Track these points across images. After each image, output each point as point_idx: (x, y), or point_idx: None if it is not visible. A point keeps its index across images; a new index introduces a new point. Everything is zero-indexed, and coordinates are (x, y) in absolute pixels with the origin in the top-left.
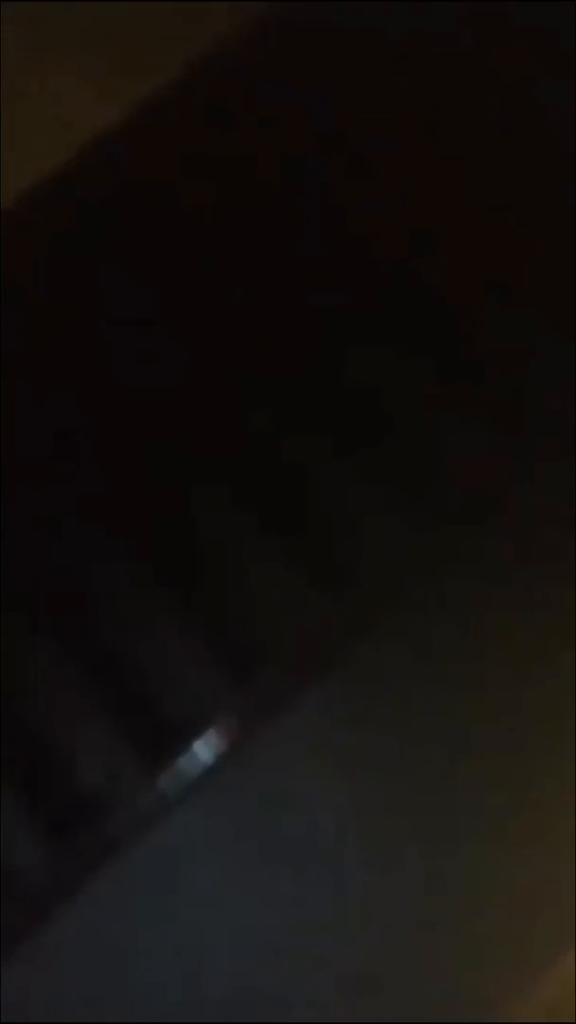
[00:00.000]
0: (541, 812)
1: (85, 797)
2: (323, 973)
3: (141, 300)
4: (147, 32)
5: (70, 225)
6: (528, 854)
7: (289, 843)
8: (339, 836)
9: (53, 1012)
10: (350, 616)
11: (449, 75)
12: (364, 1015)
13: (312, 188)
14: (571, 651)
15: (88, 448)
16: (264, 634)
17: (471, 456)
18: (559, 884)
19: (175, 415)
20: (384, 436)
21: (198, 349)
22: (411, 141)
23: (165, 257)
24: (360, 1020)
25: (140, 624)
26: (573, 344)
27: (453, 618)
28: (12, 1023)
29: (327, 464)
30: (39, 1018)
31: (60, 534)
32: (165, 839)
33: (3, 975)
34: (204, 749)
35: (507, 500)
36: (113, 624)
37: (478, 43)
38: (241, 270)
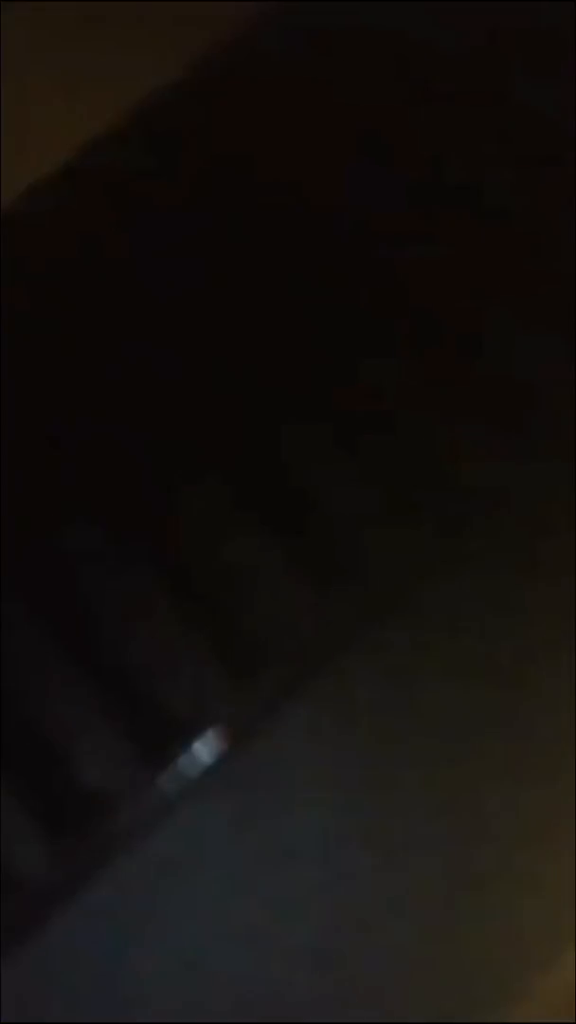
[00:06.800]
0: (540, 811)
1: (85, 797)
2: (323, 973)
3: (141, 299)
4: (147, 32)
5: (70, 225)
6: (528, 853)
7: (289, 843)
8: (339, 836)
9: (53, 1012)
10: (350, 616)
11: (451, 76)
12: (364, 1015)
13: (313, 188)
14: (572, 651)
15: (88, 448)
16: (264, 634)
17: (471, 457)
18: (558, 884)
19: (175, 413)
20: (385, 437)
21: (199, 348)
22: (412, 141)
23: (165, 257)
24: (360, 1020)
25: (141, 624)
26: (573, 344)
27: (453, 618)
28: (12, 1023)
29: (327, 464)
30: (39, 1018)
31: (60, 534)
32: (165, 839)
33: (3, 975)
34: (204, 749)
35: (507, 501)
36: (113, 624)
37: (479, 43)
38: (242, 270)
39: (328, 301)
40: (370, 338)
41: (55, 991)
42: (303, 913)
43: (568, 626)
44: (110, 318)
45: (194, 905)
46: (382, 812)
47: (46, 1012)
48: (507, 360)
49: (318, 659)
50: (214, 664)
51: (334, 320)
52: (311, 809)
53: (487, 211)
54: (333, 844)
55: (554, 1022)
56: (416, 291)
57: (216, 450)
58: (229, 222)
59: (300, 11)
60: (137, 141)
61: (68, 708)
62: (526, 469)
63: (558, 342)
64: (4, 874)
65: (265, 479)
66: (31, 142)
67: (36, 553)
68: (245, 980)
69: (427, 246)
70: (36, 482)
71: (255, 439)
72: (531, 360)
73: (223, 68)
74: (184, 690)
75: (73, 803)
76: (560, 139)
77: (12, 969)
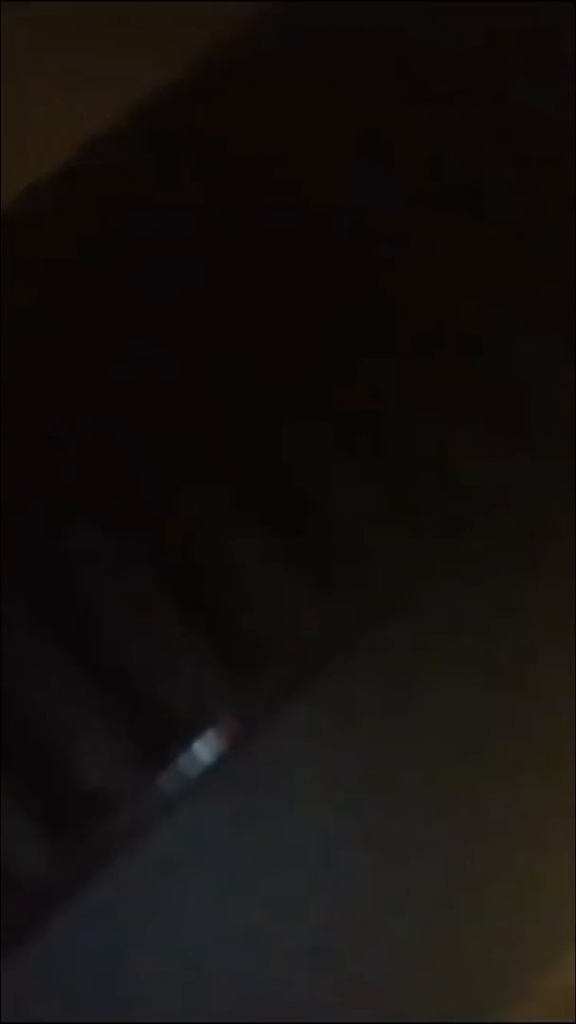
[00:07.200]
0: (540, 811)
1: (85, 797)
2: (323, 973)
3: (141, 299)
4: (147, 32)
5: (70, 225)
6: (528, 853)
7: (289, 843)
8: (339, 836)
9: (53, 1012)
10: (350, 616)
11: (451, 76)
12: (364, 1015)
13: (313, 188)
14: (572, 651)
15: (88, 448)
16: (264, 634)
17: (472, 458)
18: (558, 884)
19: (175, 414)
20: (385, 437)
21: (199, 347)
22: (412, 141)
23: (165, 257)
24: (360, 1020)
25: (140, 624)
26: (573, 344)
27: (453, 618)
28: (12, 1023)
29: (327, 464)
30: (39, 1018)
31: (60, 534)
32: (164, 839)
33: (3, 975)
34: (204, 749)
35: (507, 500)
36: (113, 624)
37: (479, 43)
38: (242, 270)
39: (328, 301)
40: (370, 338)
41: (55, 991)
42: (303, 913)
43: (568, 626)
44: (110, 318)
45: (194, 905)
46: (382, 812)
47: (46, 1012)
48: (507, 360)
49: (318, 659)
50: (214, 664)
51: (334, 320)
52: (311, 809)
53: (487, 211)
54: (333, 844)
55: (554, 1022)
56: (416, 291)
57: (216, 450)
58: (229, 222)
59: (300, 11)
60: (137, 141)
61: (68, 708)
62: (526, 469)
63: (558, 342)
64: (4, 874)
65: (265, 479)
66: (31, 142)
67: (36, 553)
68: (245, 980)
69: (427, 246)
70: (36, 482)
71: (255, 439)
72: (531, 360)
73: (223, 68)
74: (184, 690)
75: (73, 803)
76: (560, 139)
77: (12, 969)
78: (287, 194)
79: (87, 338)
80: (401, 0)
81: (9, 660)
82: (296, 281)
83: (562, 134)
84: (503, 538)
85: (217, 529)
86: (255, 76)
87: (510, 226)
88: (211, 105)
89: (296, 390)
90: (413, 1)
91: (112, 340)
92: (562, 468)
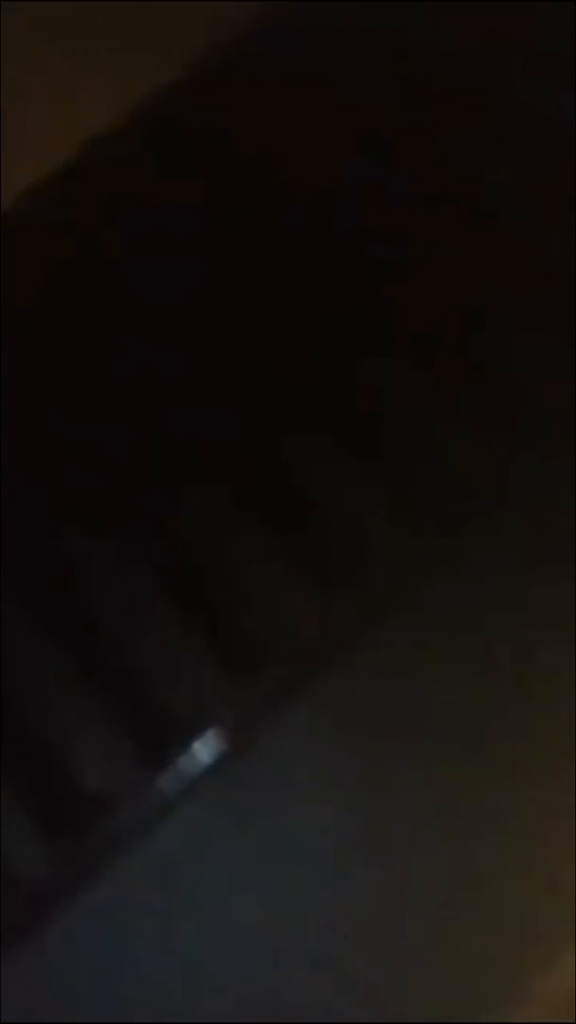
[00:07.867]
0: (540, 811)
1: (85, 797)
2: (323, 973)
3: (141, 299)
4: (147, 32)
5: (70, 225)
6: (528, 853)
7: (289, 843)
8: (339, 836)
9: (53, 1012)
10: (351, 616)
11: (451, 76)
12: (364, 1015)
13: (313, 188)
14: (572, 651)
15: (88, 448)
16: (264, 634)
17: (471, 457)
18: (558, 884)
19: (175, 414)
20: (385, 437)
21: (199, 347)
22: (412, 141)
23: (165, 257)
24: (360, 1020)
25: (140, 624)
26: (573, 344)
27: (453, 618)
28: (12, 1023)
29: (327, 464)
30: (39, 1018)
31: (60, 534)
32: (164, 839)
33: (3, 975)
34: (204, 749)
35: (507, 500)
36: (113, 624)
37: (479, 43)
38: (242, 269)
39: (328, 301)
40: (370, 338)
41: (55, 991)
42: (303, 913)
43: (568, 626)
44: (110, 318)
45: (194, 905)
46: (382, 812)
47: (46, 1012)
48: (507, 360)
49: (318, 659)
50: (214, 664)
51: (334, 320)
52: (311, 809)
53: (487, 211)
54: (333, 844)
55: (554, 1022)
56: (416, 291)
57: (216, 450)
58: (229, 222)
59: (300, 11)
60: (137, 141)
61: (68, 708)
62: (526, 469)
63: (558, 342)
64: (4, 874)
65: (265, 479)
66: (31, 142)
67: (36, 553)
68: (245, 980)
69: (427, 246)
70: (36, 482)
71: (255, 439)
72: (531, 360)
73: (223, 68)
74: (184, 690)
75: (73, 803)
76: (560, 139)
77: (12, 969)
78: (287, 194)
79: (87, 338)
80: (401, 0)
81: (9, 660)
82: (296, 281)
83: (562, 134)
84: (503, 538)
85: (217, 529)
86: (255, 76)
87: (510, 226)
88: (211, 105)
89: (296, 390)
90: (413, 1)
91: (112, 340)
92: (562, 468)
